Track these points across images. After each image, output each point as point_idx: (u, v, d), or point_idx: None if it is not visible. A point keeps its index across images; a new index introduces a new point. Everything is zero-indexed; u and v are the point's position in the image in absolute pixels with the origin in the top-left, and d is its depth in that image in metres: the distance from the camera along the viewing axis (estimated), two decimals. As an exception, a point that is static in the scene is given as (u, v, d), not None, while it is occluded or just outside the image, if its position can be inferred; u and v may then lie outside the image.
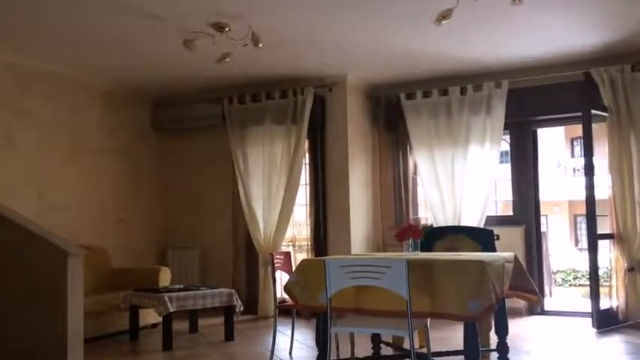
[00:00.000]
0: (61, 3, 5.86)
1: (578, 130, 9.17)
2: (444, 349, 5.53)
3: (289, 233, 8.93)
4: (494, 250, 5.99)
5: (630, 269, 7.36)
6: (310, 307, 4.84)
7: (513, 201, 8.57)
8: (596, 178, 7.42)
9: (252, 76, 8.46)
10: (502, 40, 7.11)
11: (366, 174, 8.91)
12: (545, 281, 9.79)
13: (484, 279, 4.27)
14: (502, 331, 5.27)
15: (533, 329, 7.47)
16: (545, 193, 9.50)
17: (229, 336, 7.02)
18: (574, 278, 19.59)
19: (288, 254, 6.56)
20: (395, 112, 8.78)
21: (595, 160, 7.49)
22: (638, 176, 7.46)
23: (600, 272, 7.55)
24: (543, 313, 8.34)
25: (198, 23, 6.27)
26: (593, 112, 7.48)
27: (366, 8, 6.08)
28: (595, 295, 7.27)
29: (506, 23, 6.56)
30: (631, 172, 7.46)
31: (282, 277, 6.63)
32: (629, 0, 6.05)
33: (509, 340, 5.27)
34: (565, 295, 16.03)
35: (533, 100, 8.19)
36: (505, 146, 8.58)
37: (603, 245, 7.48)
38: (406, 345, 5.31)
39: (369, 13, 6.23)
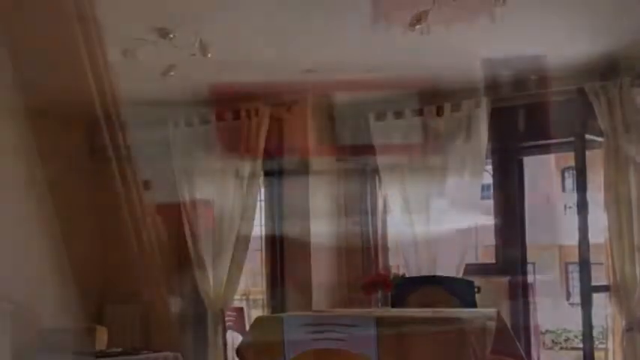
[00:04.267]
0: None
1: (569, 159, 9.17)
2: None
3: (242, 284, 8.84)
4: (474, 305, 6.04)
5: (629, 329, 7.08)
6: (266, 376, 4.82)
7: (496, 245, 8.42)
8: (591, 218, 7.20)
9: (201, 93, 8.33)
10: (482, 47, 6.98)
11: (330, 212, 8.82)
12: (533, 344, 9.73)
13: (463, 341, 4.29)
14: (484, 404, 5.28)
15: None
16: (532, 236, 9.50)
17: (173, 410, 6.92)
18: (565, 340, 19.54)
19: (241, 310, 6.53)
20: (362, 136, 8.65)
21: (589, 195, 7.29)
22: (638, 215, 7.24)
23: (595, 332, 7.40)
24: (530, 383, 8.23)
25: (139, 28, 6.15)
26: (588, 137, 7.31)
27: (327, 11, 6.01)
28: (589, 362, 7.10)
29: (488, 28, 6.23)
30: (630, 211, 7.24)
31: (234, 338, 6.58)
32: (630, 1, 5.95)
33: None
34: (555, 361, 16.06)
35: (518, 122, 8.06)
36: (486, 178, 8.51)
37: (599, 299, 7.28)
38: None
39: (331, 17, 6.16)
